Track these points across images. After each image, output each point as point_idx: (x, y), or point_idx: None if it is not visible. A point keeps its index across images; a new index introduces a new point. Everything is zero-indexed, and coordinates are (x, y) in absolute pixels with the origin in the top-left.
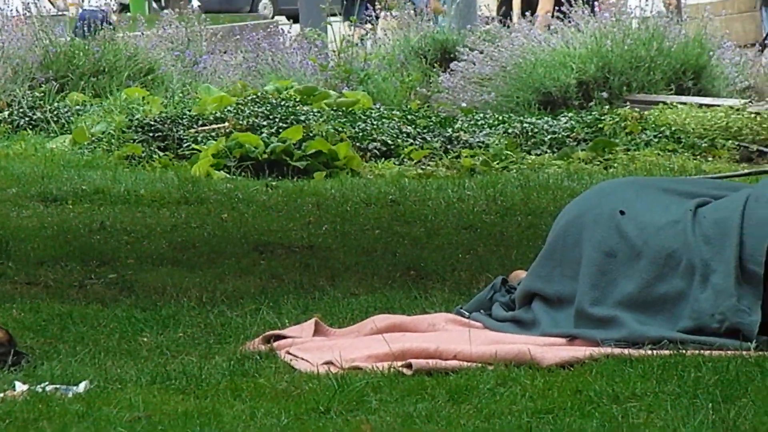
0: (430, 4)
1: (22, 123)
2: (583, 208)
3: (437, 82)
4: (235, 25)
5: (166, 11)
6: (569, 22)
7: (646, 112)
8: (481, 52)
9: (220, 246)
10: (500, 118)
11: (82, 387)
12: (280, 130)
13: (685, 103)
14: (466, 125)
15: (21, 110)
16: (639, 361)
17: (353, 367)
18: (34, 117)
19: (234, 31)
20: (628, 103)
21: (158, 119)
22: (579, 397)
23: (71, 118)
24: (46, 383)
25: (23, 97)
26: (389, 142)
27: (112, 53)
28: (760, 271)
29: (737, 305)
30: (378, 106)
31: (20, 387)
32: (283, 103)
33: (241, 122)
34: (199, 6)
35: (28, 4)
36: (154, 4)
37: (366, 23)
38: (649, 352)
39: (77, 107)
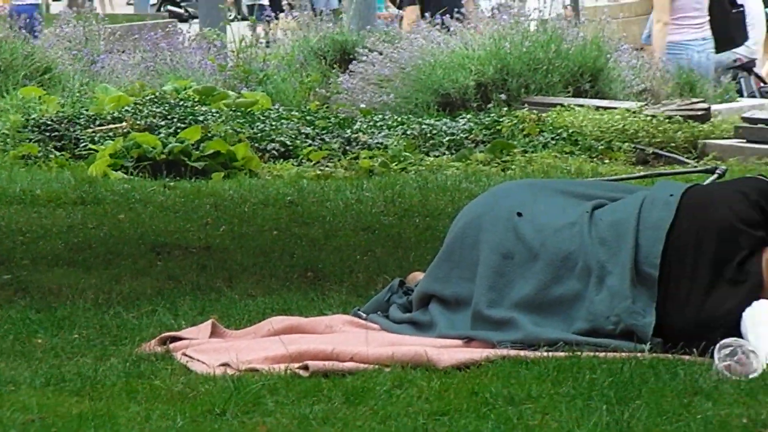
0: None
1: None
2: (481, 209)
3: (336, 83)
4: (134, 24)
5: (64, 9)
6: (468, 23)
7: (544, 114)
8: (381, 54)
9: (117, 247)
10: (399, 119)
11: None
12: (179, 131)
13: (582, 106)
14: (365, 126)
15: None
16: (535, 362)
17: (250, 368)
18: None
19: (132, 30)
20: (526, 105)
21: (55, 119)
22: (475, 398)
23: None
24: None
25: None
26: (288, 143)
27: (8, 52)
28: (655, 273)
29: (632, 307)
30: (277, 107)
31: None
32: (181, 103)
33: (138, 122)
34: None
35: None
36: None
37: (266, 23)
38: (545, 353)
39: None
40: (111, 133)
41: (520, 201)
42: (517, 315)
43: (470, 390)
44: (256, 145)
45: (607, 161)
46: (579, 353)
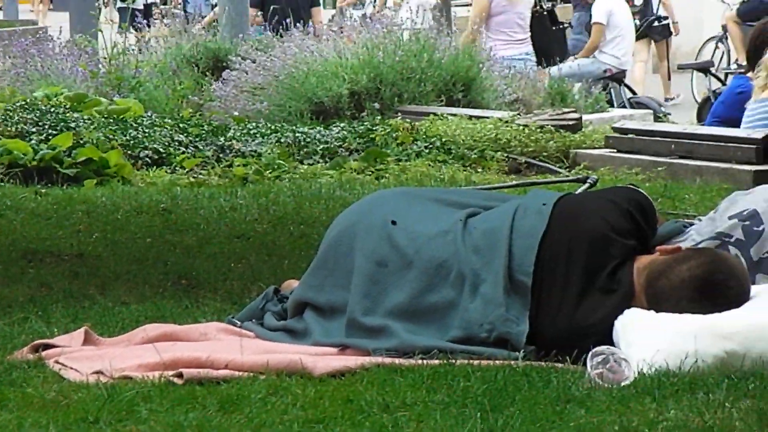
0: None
1: None
2: (355, 217)
3: (209, 90)
4: (3, 30)
5: None
6: (341, 32)
7: (417, 123)
8: (254, 62)
9: None
10: (273, 127)
11: None
12: (50, 137)
13: (455, 115)
14: (238, 134)
15: None
16: (409, 370)
17: (123, 376)
18: None
19: (2, 36)
20: (399, 114)
21: None
22: (350, 406)
23: None
24: None
25: None
26: (161, 150)
27: None
28: (528, 281)
29: (505, 315)
30: (150, 114)
31: None
32: (52, 109)
33: (9, 128)
34: None
35: None
36: None
37: (138, 30)
38: (420, 361)
39: None
40: None
41: (394, 209)
42: (392, 323)
43: (345, 397)
44: (129, 152)
45: (480, 170)
46: (453, 361)
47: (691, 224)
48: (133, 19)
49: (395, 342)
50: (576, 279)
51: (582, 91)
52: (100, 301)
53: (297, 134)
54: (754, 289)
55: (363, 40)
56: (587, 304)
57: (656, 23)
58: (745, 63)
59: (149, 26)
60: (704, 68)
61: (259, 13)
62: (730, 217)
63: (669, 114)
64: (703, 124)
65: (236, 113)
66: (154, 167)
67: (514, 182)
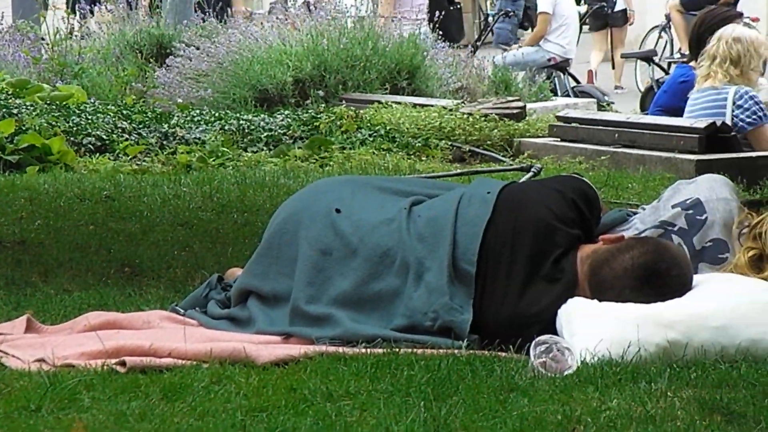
0: None
1: None
2: (300, 205)
3: (153, 77)
4: None
5: None
6: (286, 20)
7: (361, 111)
8: (198, 48)
9: None
10: (217, 114)
11: None
12: None
13: (399, 103)
14: (182, 121)
15: None
16: (353, 359)
17: (66, 364)
18: None
19: None
20: (344, 102)
21: None
22: (293, 395)
23: None
24: None
25: None
26: (104, 137)
27: None
28: (472, 270)
29: (450, 303)
30: (93, 101)
31: None
32: None
33: None
34: None
35: None
36: None
37: (82, 16)
38: (363, 350)
39: None
40: None
41: (338, 197)
42: (336, 311)
43: (288, 386)
44: (72, 139)
45: (424, 158)
46: (397, 350)
47: (635, 213)
48: (76, 5)
49: (339, 330)
50: (520, 268)
51: (526, 80)
52: (43, 289)
53: (241, 122)
54: (697, 278)
55: (307, 27)
56: (531, 293)
57: (611, 11)
58: (688, 52)
59: (92, 13)
60: (648, 57)
61: None
62: (673, 206)
63: (612, 103)
64: (646, 114)
65: (180, 100)
66: (97, 154)
67: (459, 171)
